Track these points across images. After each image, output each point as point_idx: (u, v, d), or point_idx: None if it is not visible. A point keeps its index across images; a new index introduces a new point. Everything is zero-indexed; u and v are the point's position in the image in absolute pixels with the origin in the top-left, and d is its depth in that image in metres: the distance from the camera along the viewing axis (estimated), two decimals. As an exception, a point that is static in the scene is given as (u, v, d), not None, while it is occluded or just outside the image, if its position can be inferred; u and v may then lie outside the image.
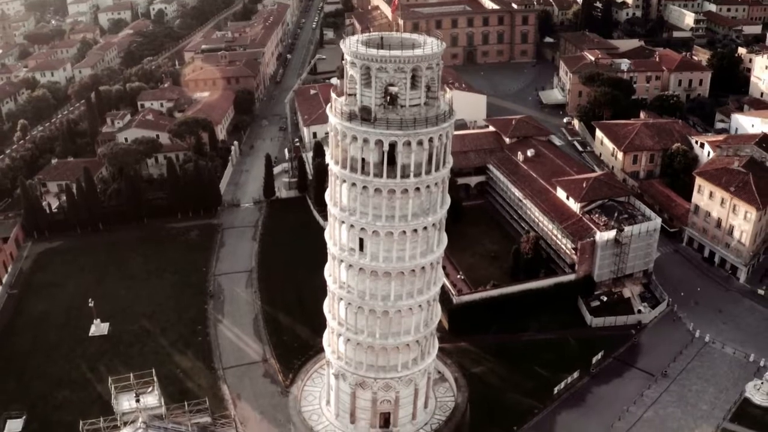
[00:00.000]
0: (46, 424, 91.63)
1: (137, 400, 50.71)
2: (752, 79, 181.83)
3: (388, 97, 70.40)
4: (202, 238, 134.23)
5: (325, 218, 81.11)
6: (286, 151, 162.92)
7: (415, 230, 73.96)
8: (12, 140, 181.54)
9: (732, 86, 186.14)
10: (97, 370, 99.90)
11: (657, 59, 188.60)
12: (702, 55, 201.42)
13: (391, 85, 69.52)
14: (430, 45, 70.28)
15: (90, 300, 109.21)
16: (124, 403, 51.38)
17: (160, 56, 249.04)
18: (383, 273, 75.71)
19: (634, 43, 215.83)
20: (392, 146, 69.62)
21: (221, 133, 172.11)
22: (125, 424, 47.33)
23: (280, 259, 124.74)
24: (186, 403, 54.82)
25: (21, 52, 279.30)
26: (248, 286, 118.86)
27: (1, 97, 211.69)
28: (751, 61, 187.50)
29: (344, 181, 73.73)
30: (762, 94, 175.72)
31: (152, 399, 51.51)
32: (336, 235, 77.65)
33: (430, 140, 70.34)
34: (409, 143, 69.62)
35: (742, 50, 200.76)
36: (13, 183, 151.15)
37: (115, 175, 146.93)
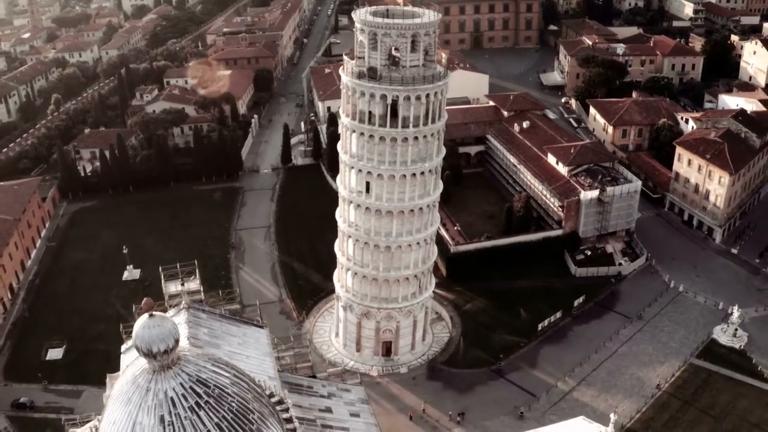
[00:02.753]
0: (84, 352, 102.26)
1: (182, 284, 62.51)
2: (742, 63, 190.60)
3: (392, 59, 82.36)
4: (224, 198, 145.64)
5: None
6: (302, 124, 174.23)
7: (414, 174, 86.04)
8: (45, 113, 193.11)
9: (724, 71, 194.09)
10: (130, 308, 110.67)
11: (652, 45, 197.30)
12: (697, 43, 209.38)
13: (396, 49, 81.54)
14: (428, 15, 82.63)
15: (124, 247, 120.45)
16: (171, 287, 63.07)
17: (184, 38, 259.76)
18: (386, 212, 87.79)
19: (632, 30, 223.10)
20: (394, 100, 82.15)
21: (242, 107, 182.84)
22: (170, 307, 58.81)
23: (296, 217, 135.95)
24: (220, 291, 66.75)
25: (49, 36, 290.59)
26: (266, 239, 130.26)
27: (33, 75, 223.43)
28: (742, 47, 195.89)
29: (354, 131, 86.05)
30: (750, 77, 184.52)
31: (194, 285, 63.18)
32: (346, 180, 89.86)
33: (427, 96, 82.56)
34: (408, 98, 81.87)
35: (735, 38, 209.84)
36: (49, 150, 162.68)
37: (143, 144, 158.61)
